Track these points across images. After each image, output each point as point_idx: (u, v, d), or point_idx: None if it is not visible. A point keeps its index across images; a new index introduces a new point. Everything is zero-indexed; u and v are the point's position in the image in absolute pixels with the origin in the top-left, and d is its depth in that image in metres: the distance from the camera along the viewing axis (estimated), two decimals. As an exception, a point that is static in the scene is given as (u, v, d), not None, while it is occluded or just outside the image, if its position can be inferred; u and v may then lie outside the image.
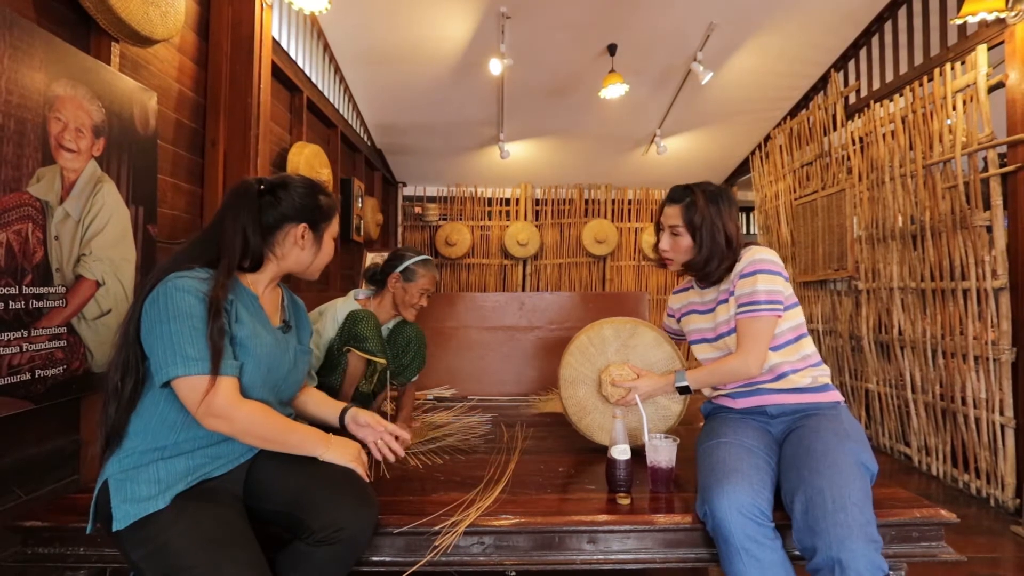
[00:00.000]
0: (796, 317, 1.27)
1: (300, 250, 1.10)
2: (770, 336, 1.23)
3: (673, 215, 1.32)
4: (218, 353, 0.92)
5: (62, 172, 1.39)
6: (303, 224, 1.08)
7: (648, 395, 1.40)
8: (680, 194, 1.33)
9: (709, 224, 1.28)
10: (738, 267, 1.27)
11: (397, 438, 1.12)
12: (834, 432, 1.11)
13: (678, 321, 1.49)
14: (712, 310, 1.34)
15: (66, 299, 1.40)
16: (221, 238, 1.01)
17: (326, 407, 1.19)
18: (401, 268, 1.65)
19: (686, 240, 1.31)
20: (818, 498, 0.97)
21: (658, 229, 1.38)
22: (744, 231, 6.76)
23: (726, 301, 1.29)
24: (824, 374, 1.26)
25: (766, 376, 1.25)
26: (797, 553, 1.07)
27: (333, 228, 1.16)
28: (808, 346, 1.27)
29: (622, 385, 1.39)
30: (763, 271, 1.23)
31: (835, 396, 1.25)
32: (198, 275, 0.96)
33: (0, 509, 1.30)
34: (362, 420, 1.14)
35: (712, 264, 1.29)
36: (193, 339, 0.90)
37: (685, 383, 1.34)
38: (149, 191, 1.73)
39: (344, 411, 1.16)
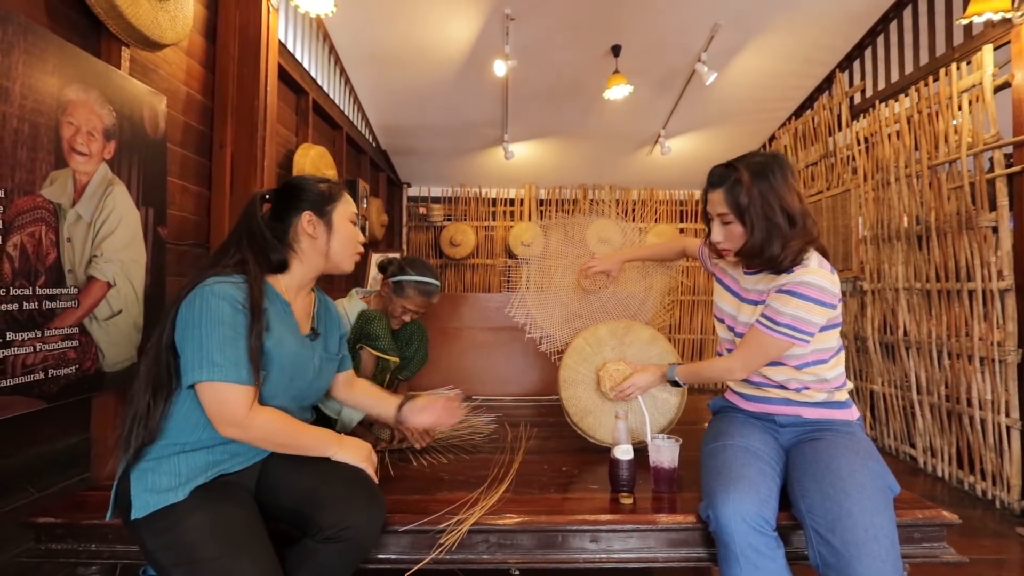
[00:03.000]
0: (824, 341, 1.17)
1: (313, 239, 1.10)
2: (771, 355, 1.17)
3: (718, 201, 1.17)
4: (248, 361, 0.94)
5: (74, 175, 1.41)
6: (306, 212, 1.09)
7: (644, 388, 1.41)
8: (721, 176, 1.16)
9: (759, 203, 1.11)
10: (783, 278, 1.14)
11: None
12: (854, 451, 1.07)
13: (711, 266, 1.38)
14: (742, 298, 1.26)
15: (78, 300, 1.42)
16: (240, 245, 1.05)
17: (380, 405, 1.27)
18: (395, 279, 1.66)
19: (738, 227, 1.15)
20: (848, 521, 0.95)
21: (707, 219, 1.22)
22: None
23: (755, 304, 1.21)
24: (842, 390, 1.20)
25: (773, 383, 1.23)
26: (797, 555, 1.08)
27: (344, 210, 1.14)
28: (828, 371, 1.18)
29: (619, 382, 1.42)
30: (802, 296, 1.10)
31: (851, 414, 1.19)
32: (234, 280, 0.98)
33: (14, 506, 1.33)
34: (419, 404, 1.23)
35: (772, 248, 1.12)
36: (222, 345, 0.92)
37: (675, 377, 1.35)
38: (159, 193, 1.75)
39: (400, 406, 1.23)
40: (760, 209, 1.12)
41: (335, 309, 1.27)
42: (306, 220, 1.09)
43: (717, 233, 1.20)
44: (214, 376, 0.91)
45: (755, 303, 1.22)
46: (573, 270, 1.76)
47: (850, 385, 1.24)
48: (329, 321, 1.22)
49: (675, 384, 1.37)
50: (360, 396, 1.28)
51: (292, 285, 1.11)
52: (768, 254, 1.13)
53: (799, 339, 1.13)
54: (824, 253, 1.18)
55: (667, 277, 1.79)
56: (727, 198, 1.15)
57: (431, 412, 1.22)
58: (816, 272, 1.12)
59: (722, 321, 1.32)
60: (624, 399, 1.43)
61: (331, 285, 3.47)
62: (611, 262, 1.67)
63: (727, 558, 1.00)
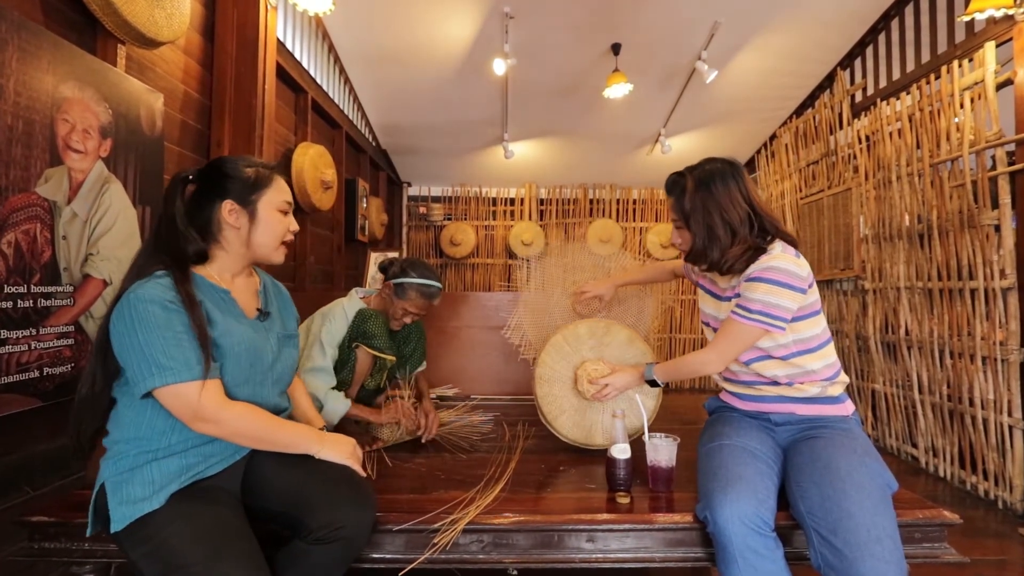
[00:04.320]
0: (806, 330, 1.17)
1: (236, 229, 1.03)
2: (746, 344, 1.17)
3: (670, 207, 1.28)
4: (197, 356, 0.91)
5: (70, 173, 1.41)
6: (228, 201, 1.02)
7: (622, 389, 1.41)
8: (672, 184, 1.27)
9: (700, 211, 1.20)
10: (750, 268, 1.17)
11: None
12: (852, 449, 1.06)
13: (696, 277, 1.42)
14: (721, 299, 1.29)
15: (74, 298, 1.42)
16: (159, 235, 1.00)
17: (308, 419, 1.22)
18: (397, 281, 1.65)
19: (687, 232, 1.24)
20: (849, 522, 0.94)
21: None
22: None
23: (731, 300, 1.24)
24: (835, 384, 1.20)
25: (764, 380, 1.22)
26: (798, 555, 1.07)
27: (272, 198, 1.06)
28: (816, 361, 1.18)
29: (597, 381, 1.40)
30: (768, 281, 1.13)
31: (845, 409, 1.19)
32: (158, 280, 0.93)
33: (8, 505, 1.32)
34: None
35: (712, 254, 1.20)
36: (164, 348, 0.89)
37: (653, 376, 1.34)
38: (156, 191, 1.75)
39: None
40: (701, 218, 1.20)
41: (284, 289, 1.23)
42: (227, 209, 1.02)
43: (675, 236, 1.30)
44: (167, 380, 0.89)
45: (728, 299, 1.25)
46: (569, 294, 1.72)
47: (845, 378, 1.23)
48: (280, 301, 1.18)
49: (653, 384, 1.36)
50: (293, 397, 1.22)
51: (224, 272, 1.06)
52: (710, 259, 1.22)
53: (772, 325, 1.14)
54: (793, 243, 1.21)
55: (658, 300, 1.78)
56: (675, 205, 1.25)
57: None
58: (780, 257, 1.15)
59: (708, 324, 1.35)
60: (601, 399, 1.43)
61: (330, 284, 3.47)
62: (604, 287, 1.65)
63: (725, 560, 0.99)
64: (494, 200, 5.63)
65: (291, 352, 1.14)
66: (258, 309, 1.10)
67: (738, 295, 1.21)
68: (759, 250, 1.18)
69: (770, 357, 1.20)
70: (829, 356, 1.20)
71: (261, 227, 1.05)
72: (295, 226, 1.12)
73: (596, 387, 1.40)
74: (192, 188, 1.05)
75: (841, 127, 3.36)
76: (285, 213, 1.09)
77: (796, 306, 1.15)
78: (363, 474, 1.08)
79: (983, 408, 2.36)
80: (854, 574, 0.91)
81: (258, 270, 1.17)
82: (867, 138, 3.11)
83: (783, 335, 1.16)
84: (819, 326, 1.19)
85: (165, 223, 1.00)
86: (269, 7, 2.26)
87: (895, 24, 3.24)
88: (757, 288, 1.14)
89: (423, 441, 1.57)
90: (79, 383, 0.97)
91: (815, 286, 1.20)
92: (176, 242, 0.99)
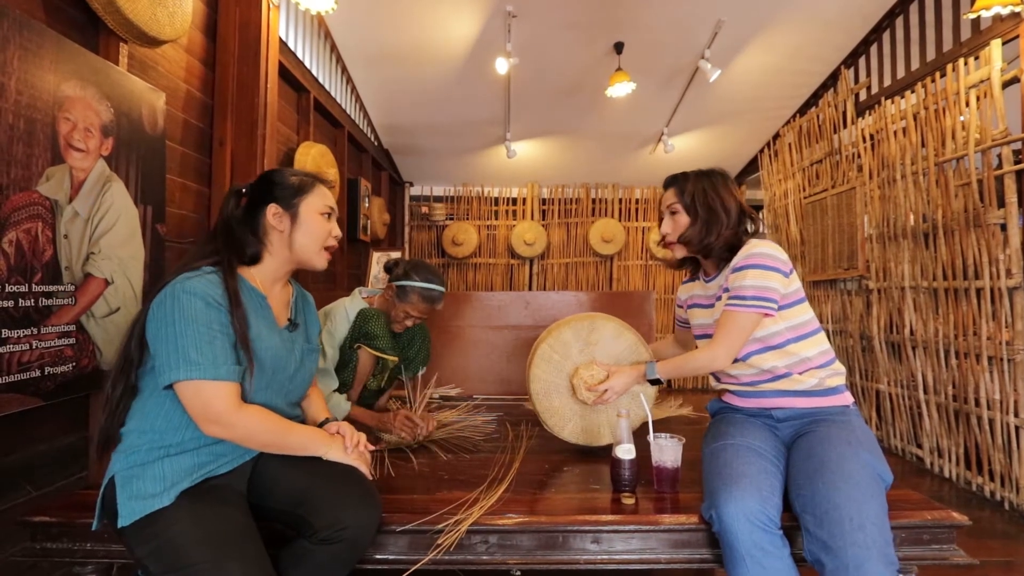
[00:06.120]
0: (796, 316, 1.21)
1: (280, 232, 1.08)
2: (747, 332, 1.19)
3: (669, 196, 1.36)
4: (228, 358, 0.92)
5: (71, 171, 1.40)
6: (272, 204, 1.08)
7: (623, 391, 1.40)
8: (673, 178, 1.38)
9: (701, 195, 1.29)
10: (734, 260, 1.23)
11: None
12: (847, 441, 1.07)
13: (686, 312, 1.47)
14: (712, 305, 1.32)
15: (75, 297, 1.41)
16: (215, 239, 1.06)
17: (315, 412, 1.21)
18: (399, 283, 1.63)
19: (684, 218, 1.31)
20: (835, 513, 0.94)
21: (661, 219, 1.40)
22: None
23: (720, 298, 1.27)
24: (832, 375, 1.21)
25: (764, 376, 1.23)
26: (802, 556, 1.06)
27: (314, 203, 1.10)
28: (809, 348, 1.21)
29: (596, 388, 1.38)
30: (755, 266, 1.19)
31: (844, 399, 1.20)
32: (206, 275, 0.96)
33: (10, 505, 1.32)
34: (331, 429, 1.12)
35: (711, 236, 1.27)
36: (198, 344, 0.90)
37: (656, 376, 1.33)
38: (157, 190, 1.74)
39: (323, 423, 1.16)
40: (703, 201, 1.29)
41: (312, 301, 1.25)
42: (271, 212, 1.07)
43: (666, 225, 1.36)
44: (192, 374, 0.89)
45: (720, 298, 1.28)
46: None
47: (841, 368, 1.24)
48: (308, 312, 1.21)
49: (655, 382, 1.35)
50: (307, 400, 1.23)
51: (266, 278, 1.10)
52: (706, 241, 1.28)
53: (767, 308, 1.18)
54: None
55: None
56: (676, 192, 1.34)
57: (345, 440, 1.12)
58: (759, 244, 1.22)
59: (703, 336, 1.36)
60: (604, 404, 1.41)
61: (332, 284, 3.47)
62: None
63: (732, 559, 0.98)
64: (496, 200, 5.62)
65: (311, 365, 1.16)
66: (289, 319, 1.13)
67: (726, 290, 1.24)
68: (738, 244, 1.25)
69: (767, 348, 1.21)
70: (822, 343, 1.23)
71: (302, 229, 1.09)
72: (337, 232, 1.14)
73: (595, 393, 1.39)
74: (245, 200, 1.11)
75: (845, 126, 3.34)
76: (327, 218, 1.12)
77: (783, 289, 1.20)
78: (369, 476, 1.07)
79: (989, 408, 2.35)
80: (839, 564, 0.91)
81: (292, 281, 1.19)
82: (871, 137, 3.09)
83: (775, 322, 1.20)
84: (807, 313, 1.23)
85: (222, 227, 1.06)
86: (271, 6, 2.25)
87: (900, 22, 3.22)
88: (746, 275, 1.19)
89: (415, 443, 1.54)
90: (110, 374, 1.00)
91: (795, 273, 1.25)
92: (234, 243, 1.05)
